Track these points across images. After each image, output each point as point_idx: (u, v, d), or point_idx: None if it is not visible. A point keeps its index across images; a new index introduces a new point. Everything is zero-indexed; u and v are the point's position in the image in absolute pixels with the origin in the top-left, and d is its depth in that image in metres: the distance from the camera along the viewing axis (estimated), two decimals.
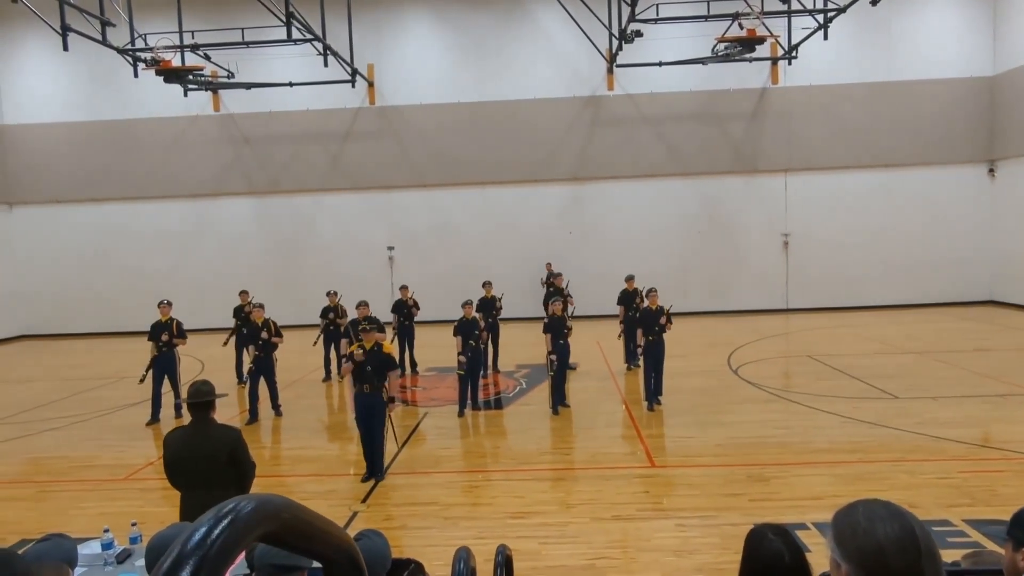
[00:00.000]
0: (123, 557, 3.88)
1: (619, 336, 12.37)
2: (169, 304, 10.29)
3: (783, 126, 19.13)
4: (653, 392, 9.72)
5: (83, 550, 3.75)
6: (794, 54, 17.37)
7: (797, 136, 19.13)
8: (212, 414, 4.36)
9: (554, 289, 12.75)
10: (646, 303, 10.17)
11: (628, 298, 12.20)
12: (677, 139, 19.26)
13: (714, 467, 7.21)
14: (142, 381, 9.98)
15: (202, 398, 4.32)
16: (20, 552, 2.22)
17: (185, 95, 18.52)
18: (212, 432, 4.28)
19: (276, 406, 10.20)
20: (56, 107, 19.97)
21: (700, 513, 6.00)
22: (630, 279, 12.38)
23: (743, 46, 15.31)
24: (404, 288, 13.01)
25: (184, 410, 10.22)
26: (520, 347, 15.51)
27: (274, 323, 10.14)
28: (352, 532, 2.36)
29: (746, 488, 6.55)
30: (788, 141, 19.17)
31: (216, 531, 0.81)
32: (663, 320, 9.69)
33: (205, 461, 4.17)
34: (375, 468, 7.26)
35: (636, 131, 19.30)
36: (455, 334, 9.91)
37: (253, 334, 10.07)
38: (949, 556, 1.49)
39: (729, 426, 8.63)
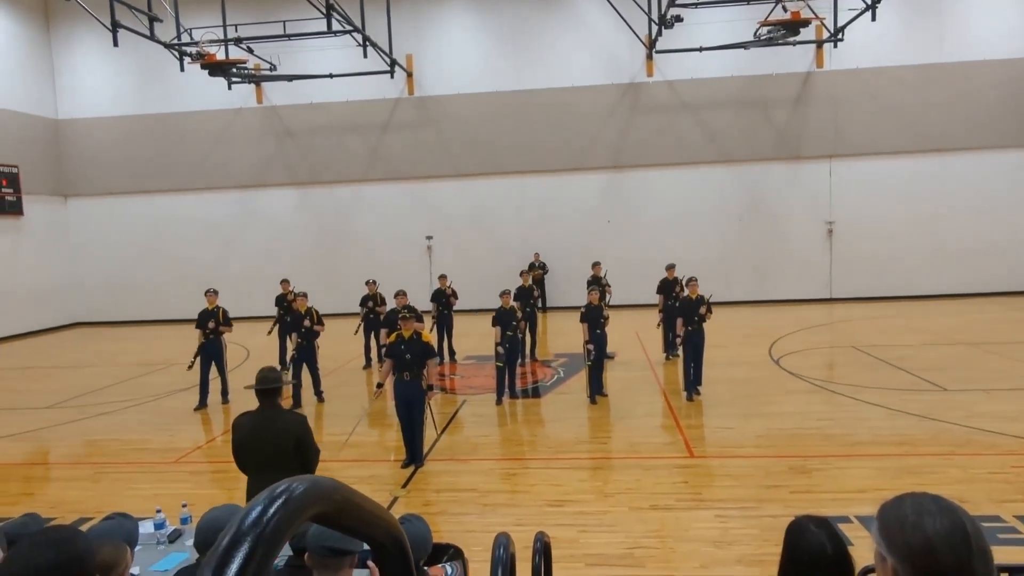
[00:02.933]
0: (174, 537, 4.03)
1: (658, 325, 12.27)
2: (215, 292, 10.56)
3: (828, 111, 18.63)
4: (692, 382, 9.63)
5: None
6: (840, 36, 16.86)
7: (843, 121, 18.61)
8: (279, 400, 4.46)
9: (592, 278, 12.71)
10: (686, 292, 10.07)
11: (668, 287, 12.09)
12: (718, 125, 18.93)
13: (755, 458, 7.12)
14: (190, 367, 10.29)
15: (269, 384, 4.41)
16: (84, 529, 2.32)
17: (229, 88, 18.92)
18: (279, 418, 4.36)
19: (318, 392, 10.42)
20: (107, 101, 20.58)
21: (740, 504, 5.93)
22: (670, 268, 12.26)
23: (787, 29, 14.92)
24: (442, 277, 13.10)
25: (230, 396, 10.51)
26: (559, 336, 15.51)
27: (316, 311, 10.33)
28: None
29: (787, 480, 6.45)
30: (833, 126, 18.67)
31: (271, 510, 0.84)
32: (703, 310, 9.58)
33: (272, 446, 4.25)
34: (415, 454, 7.37)
35: (676, 118, 19.02)
36: (493, 324, 9.95)
37: (296, 322, 10.28)
38: (1000, 554, 1.45)
39: (770, 417, 8.51)
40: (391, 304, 11.49)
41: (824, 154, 18.81)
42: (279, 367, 12.29)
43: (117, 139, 20.59)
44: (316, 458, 4.44)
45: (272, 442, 4.26)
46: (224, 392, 10.53)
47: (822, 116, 18.66)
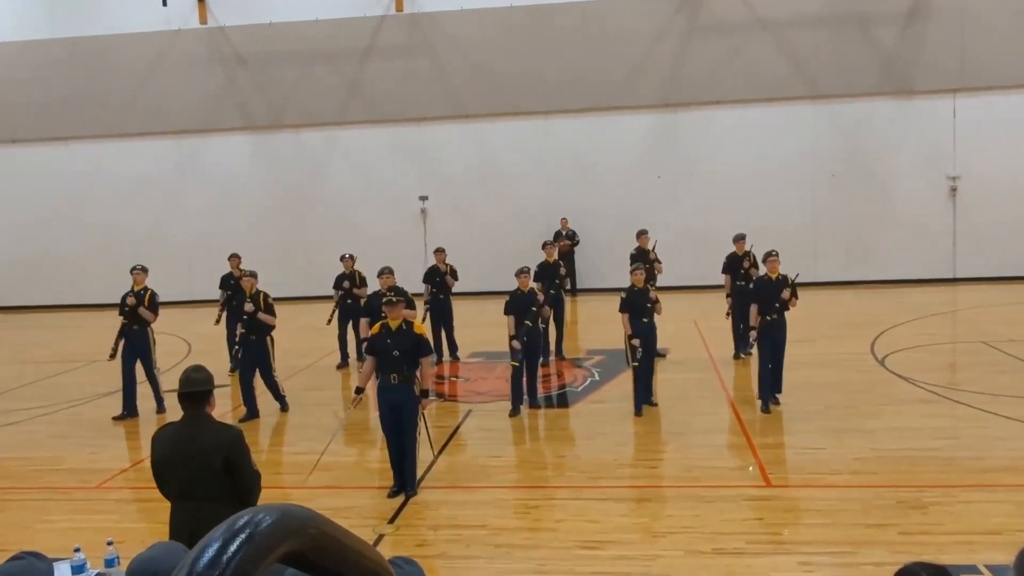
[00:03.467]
0: None
1: (727, 315, 12.22)
2: (144, 270, 10.60)
3: (953, 29, 18.28)
4: (770, 388, 9.59)
5: None
6: None
7: (973, 43, 18.25)
8: (208, 409, 4.50)
9: (637, 252, 12.66)
10: (762, 271, 10.00)
11: (736, 264, 12.04)
12: (805, 49, 18.67)
13: (851, 488, 7.11)
14: (112, 357, 10.37)
15: (193, 388, 4.44)
16: None
17: (164, 4, 18.89)
18: (205, 431, 4.41)
19: (279, 398, 10.43)
20: (9, 23, 20.65)
21: (832, 548, 5.93)
22: (740, 239, 12.19)
23: None
24: (439, 251, 13.09)
25: (166, 403, 10.58)
26: (593, 326, 15.50)
27: (265, 295, 10.27)
28: None
29: (895, 517, 6.44)
30: (960, 49, 18.32)
31: (231, 549, 0.85)
32: (786, 293, 9.51)
33: (196, 466, 4.31)
34: (405, 480, 7.40)
35: (749, 39, 18.78)
36: (507, 312, 9.95)
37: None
38: None
39: (873, 434, 8.48)
40: (373, 285, 11.49)
41: (946, 87, 18.51)
42: (232, 366, 12.41)
43: (21, 71, 20.68)
44: (255, 483, 4.48)
45: (195, 461, 4.31)
46: (157, 399, 10.60)
47: (945, 36, 18.32)
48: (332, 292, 13.04)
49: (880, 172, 18.89)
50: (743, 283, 11.61)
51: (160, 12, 19.45)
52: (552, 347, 12.62)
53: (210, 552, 0.84)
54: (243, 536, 0.87)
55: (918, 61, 18.57)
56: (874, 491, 6.99)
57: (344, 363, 12.88)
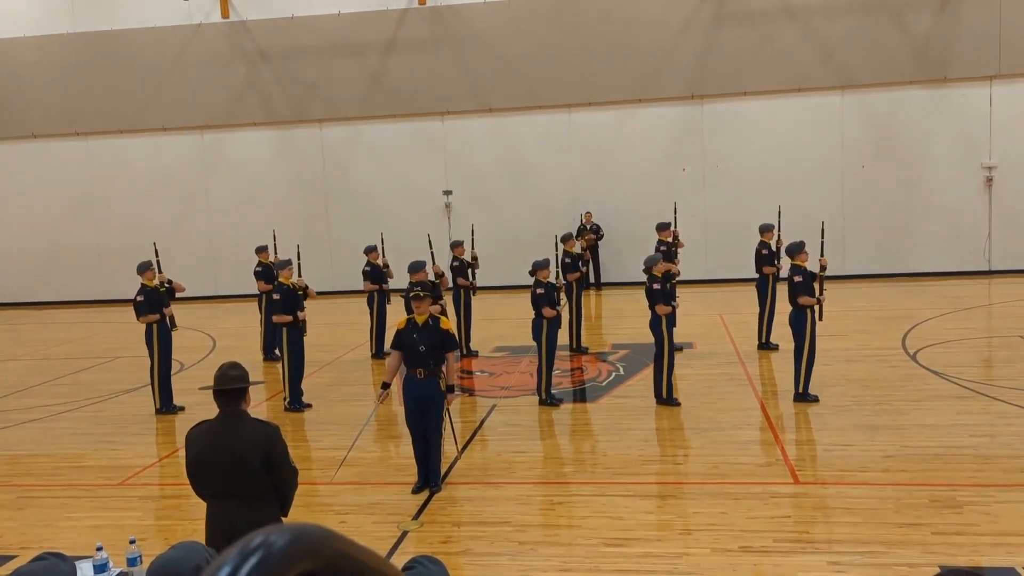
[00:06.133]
0: None
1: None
2: (151, 266, 10.74)
3: (990, 13, 17.98)
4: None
5: None
6: None
7: (1011, 28, 17.95)
8: (244, 405, 4.52)
9: (669, 245, 12.73)
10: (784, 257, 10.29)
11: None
12: (834, 37, 18.45)
13: (883, 486, 7.04)
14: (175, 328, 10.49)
15: (230, 384, 4.45)
16: (7, 572, 2.35)
17: None
18: (243, 428, 4.42)
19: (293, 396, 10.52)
20: (29, 17, 20.84)
21: (863, 548, 5.87)
22: (770, 230, 12.32)
23: None
24: (458, 245, 13.05)
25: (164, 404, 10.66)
26: (618, 319, 15.47)
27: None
28: (401, 560, 2.39)
29: (929, 516, 6.37)
30: (997, 35, 18.03)
31: (244, 571, 0.84)
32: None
33: (234, 464, 4.31)
34: (430, 475, 7.43)
35: (776, 28, 18.59)
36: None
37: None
38: None
39: (905, 431, 8.40)
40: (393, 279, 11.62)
41: (982, 74, 18.22)
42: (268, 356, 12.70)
43: (42, 66, 20.90)
44: (293, 480, 4.51)
45: (233, 459, 4.32)
46: (163, 401, 10.58)
47: (981, 20, 18.03)
48: (358, 286, 13.10)
49: (912, 163, 18.65)
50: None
51: (181, 7, 19.59)
52: (571, 340, 12.76)
53: (222, 574, 0.84)
54: (256, 558, 0.86)
55: (953, 47, 18.27)
56: (906, 489, 6.92)
57: (377, 355, 12.95)
